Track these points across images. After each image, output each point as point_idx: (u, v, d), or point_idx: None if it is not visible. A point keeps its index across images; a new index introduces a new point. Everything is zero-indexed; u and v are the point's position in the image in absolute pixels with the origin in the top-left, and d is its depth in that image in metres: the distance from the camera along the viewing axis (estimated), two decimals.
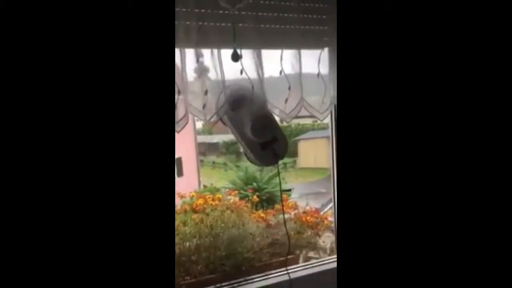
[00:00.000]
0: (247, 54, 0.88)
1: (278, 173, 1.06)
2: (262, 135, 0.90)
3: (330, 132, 1.17)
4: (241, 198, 1.32)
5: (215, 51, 0.85)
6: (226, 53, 0.86)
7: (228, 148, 6.16)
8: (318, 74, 1.00)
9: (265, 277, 1.04)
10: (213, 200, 1.08)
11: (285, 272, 1.05)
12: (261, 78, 0.90)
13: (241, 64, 0.87)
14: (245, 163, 4.67)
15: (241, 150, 1.00)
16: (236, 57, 0.84)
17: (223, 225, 1.06)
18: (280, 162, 1.01)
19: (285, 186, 4.01)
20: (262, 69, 0.90)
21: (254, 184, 4.08)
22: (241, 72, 0.88)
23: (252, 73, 0.88)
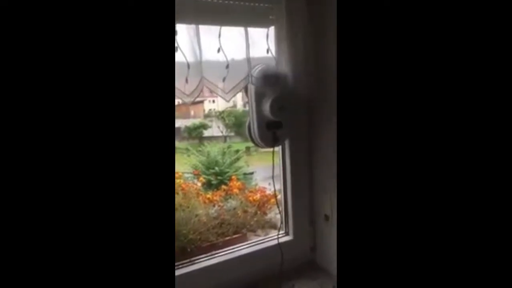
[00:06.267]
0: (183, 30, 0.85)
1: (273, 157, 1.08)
2: (277, 115, 0.96)
3: None
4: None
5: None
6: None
7: (190, 133, 6.01)
8: (268, 50, 0.98)
9: (211, 257, 1.05)
10: None
11: (234, 250, 1.07)
12: (200, 56, 0.87)
13: None
14: (206, 148, 4.61)
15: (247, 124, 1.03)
16: None
17: None
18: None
19: (247, 170, 4.03)
20: (200, 46, 0.88)
21: (216, 168, 4.06)
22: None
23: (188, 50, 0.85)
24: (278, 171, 1.22)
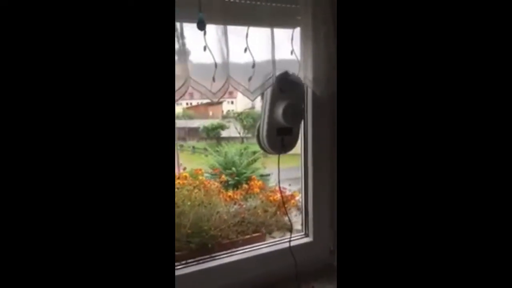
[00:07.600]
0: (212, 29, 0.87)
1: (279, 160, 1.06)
2: (289, 121, 0.94)
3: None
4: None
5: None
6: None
7: (208, 133, 6.06)
8: (292, 52, 0.99)
9: (231, 253, 1.06)
10: (179, 178, 1.08)
11: (253, 248, 1.08)
12: (226, 55, 0.89)
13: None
14: (224, 148, 4.64)
15: (257, 129, 1.02)
16: (202, 26, 0.83)
17: (189, 203, 1.07)
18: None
19: (264, 171, 4.03)
20: (227, 46, 0.89)
21: (233, 168, 4.08)
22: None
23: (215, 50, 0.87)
24: (299, 172, 1.22)
